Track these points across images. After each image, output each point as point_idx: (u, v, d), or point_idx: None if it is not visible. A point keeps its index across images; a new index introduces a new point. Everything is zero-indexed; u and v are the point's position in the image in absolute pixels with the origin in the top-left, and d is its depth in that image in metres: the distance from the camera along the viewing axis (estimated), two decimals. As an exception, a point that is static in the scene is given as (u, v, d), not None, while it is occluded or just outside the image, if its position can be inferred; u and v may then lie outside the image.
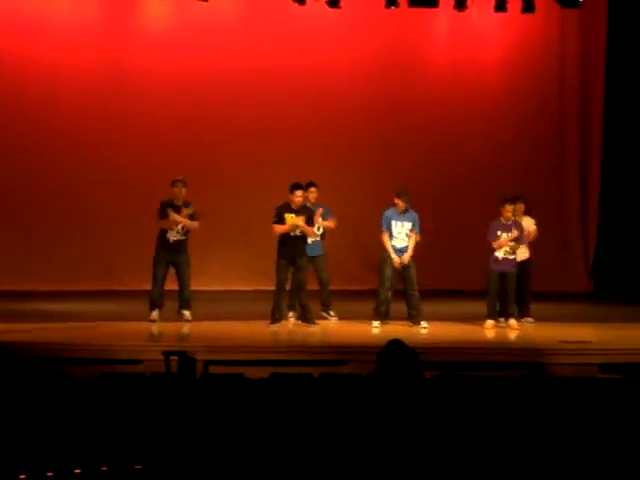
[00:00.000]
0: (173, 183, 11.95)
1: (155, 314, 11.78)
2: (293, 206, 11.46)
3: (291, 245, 11.46)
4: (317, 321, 11.71)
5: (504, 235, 11.58)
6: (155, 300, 11.82)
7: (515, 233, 11.56)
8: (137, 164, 15.46)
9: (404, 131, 16.03)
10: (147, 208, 14.68)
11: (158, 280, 11.82)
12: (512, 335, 11.26)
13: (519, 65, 16.36)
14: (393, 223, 11.61)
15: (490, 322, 11.57)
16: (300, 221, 11.38)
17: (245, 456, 4.93)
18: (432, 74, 16.20)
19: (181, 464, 4.95)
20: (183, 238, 11.89)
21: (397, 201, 11.61)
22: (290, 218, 11.39)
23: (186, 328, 11.47)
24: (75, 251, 15.31)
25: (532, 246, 12.22)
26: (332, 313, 12.19)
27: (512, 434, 5.16)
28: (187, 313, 11.89)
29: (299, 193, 11.47)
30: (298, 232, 11.44)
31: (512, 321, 11.59)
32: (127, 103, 15.47)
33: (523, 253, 11.97)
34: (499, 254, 11.60)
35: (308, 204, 11.84)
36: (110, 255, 15.35)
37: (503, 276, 11.57)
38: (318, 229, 11.90)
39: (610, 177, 16.20)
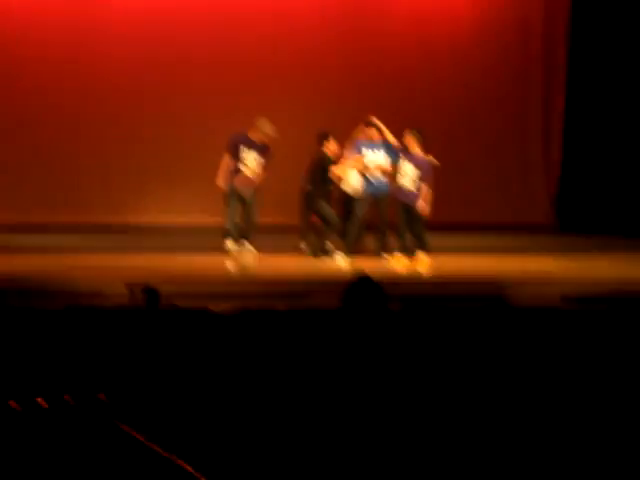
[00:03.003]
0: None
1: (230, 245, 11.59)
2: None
3: None
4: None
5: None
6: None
7: None
8: (121, 101, 15.33)
9: (371, 75, 15.80)
10: (121, 146, 15.07)
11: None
12: (474, 267, 11.29)
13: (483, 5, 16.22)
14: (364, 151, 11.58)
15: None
16: None
17: (211, 388, 4.93)
18: (394, 20, 15.97)
19: (146, 396, 4.95)
20: None
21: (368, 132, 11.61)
22: None
23: (150, 261, 11.38)
24: (43, 182, 15.17)
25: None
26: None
27: (476, 364, 5.20)
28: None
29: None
30: None
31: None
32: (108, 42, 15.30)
33: None
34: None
35: None
36: (78, 187, 15.23)
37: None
38: None
39: (574, 100, 15.99)
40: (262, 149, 11.56)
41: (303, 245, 12.05)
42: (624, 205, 15.25)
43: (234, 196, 11.58)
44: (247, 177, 11.51)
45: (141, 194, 15.35)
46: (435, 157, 11.76)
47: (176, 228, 14.30)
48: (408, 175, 11.29)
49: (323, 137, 11.81)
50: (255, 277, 10.36)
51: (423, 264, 11.29)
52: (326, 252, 11.74)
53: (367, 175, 11.54)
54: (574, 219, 15.63)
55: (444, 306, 7.02)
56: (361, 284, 4.27)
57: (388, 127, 11.73)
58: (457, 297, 9.02)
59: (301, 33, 15.69)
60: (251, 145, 11.52)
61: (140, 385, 5.09)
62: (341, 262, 11.38)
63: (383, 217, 11.61)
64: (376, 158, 11.55)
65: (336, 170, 11.66)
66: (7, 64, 15.11)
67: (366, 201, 11.57)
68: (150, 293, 7.19)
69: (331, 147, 11.79)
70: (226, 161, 11.53)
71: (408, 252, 11.46)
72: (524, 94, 16.44)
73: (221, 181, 11.56)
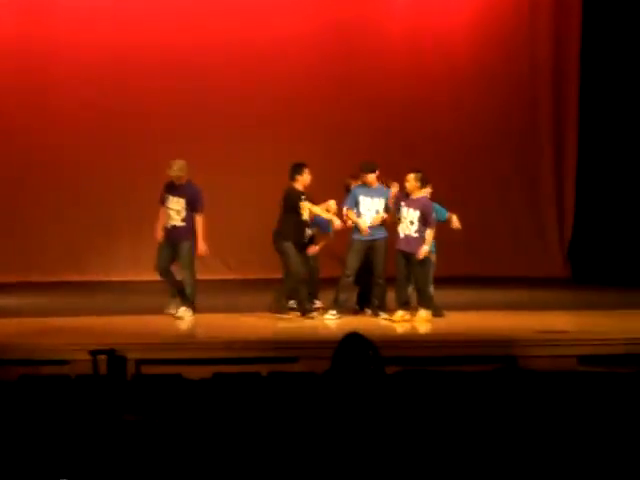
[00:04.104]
0: None
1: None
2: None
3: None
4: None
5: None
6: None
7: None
8: (85, 162, 15.65)
9: (362, 106, 16.07)
10: (71, 197, 15.46)
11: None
12: (482, 325, 11.27)
13: (486, 32, 16.41)
14: (361, 199, 11.54)
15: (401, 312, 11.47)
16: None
17: (183, 466, 4.89)
18: (389, 44, 16.30)
19: (112, 476, 4.91)
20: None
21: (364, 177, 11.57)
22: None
23: (115, 324, 11.34)
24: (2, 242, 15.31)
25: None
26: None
27: (483, 435, 5.17)
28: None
29: None
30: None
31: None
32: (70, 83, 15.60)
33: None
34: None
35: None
36: (30, 244, 15.36)
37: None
38: None
39: (587, 157, 16.35)
40: (181, 190, 11.65)
41: (292, 302, 11.99)
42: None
43: (165, 245, 11.71)
44: (174, 225, 11.62)
45: (107, 252, 15.63)
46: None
47: (143, 285, 14.38)
48: (409, 221, 11.23)
49: (295, 170, 11.59)
50: (234, 339, 10.32)
51: (424, 322, 11.26)
52: (314, 309, 11.72)
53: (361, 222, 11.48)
54: (588, 272, 15.93)
55: (446, 370, 7.00)
56: (353, 344, 4.24)
57: (388, 172, 11.77)
58: (461, 359, 8.99)
59: (284, 66, 15.98)
60: (172, 190, 11.70)
61: (107, 465, 5.05)
62: (331, 320, 11.38)
63: (379, 269, 11.53)
64: (373, 205, 11.54)
65: (311, 208, 11.53)
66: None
67: (359, 252, 11.50)
68: (115, 360, 7.14)
69: (304, 180, 11.58)
70: (160, 213, 11.78)
71: (408, 308, 11.41)
72: (537, 144, 16.73)
73: (158, 233, 11.73)
